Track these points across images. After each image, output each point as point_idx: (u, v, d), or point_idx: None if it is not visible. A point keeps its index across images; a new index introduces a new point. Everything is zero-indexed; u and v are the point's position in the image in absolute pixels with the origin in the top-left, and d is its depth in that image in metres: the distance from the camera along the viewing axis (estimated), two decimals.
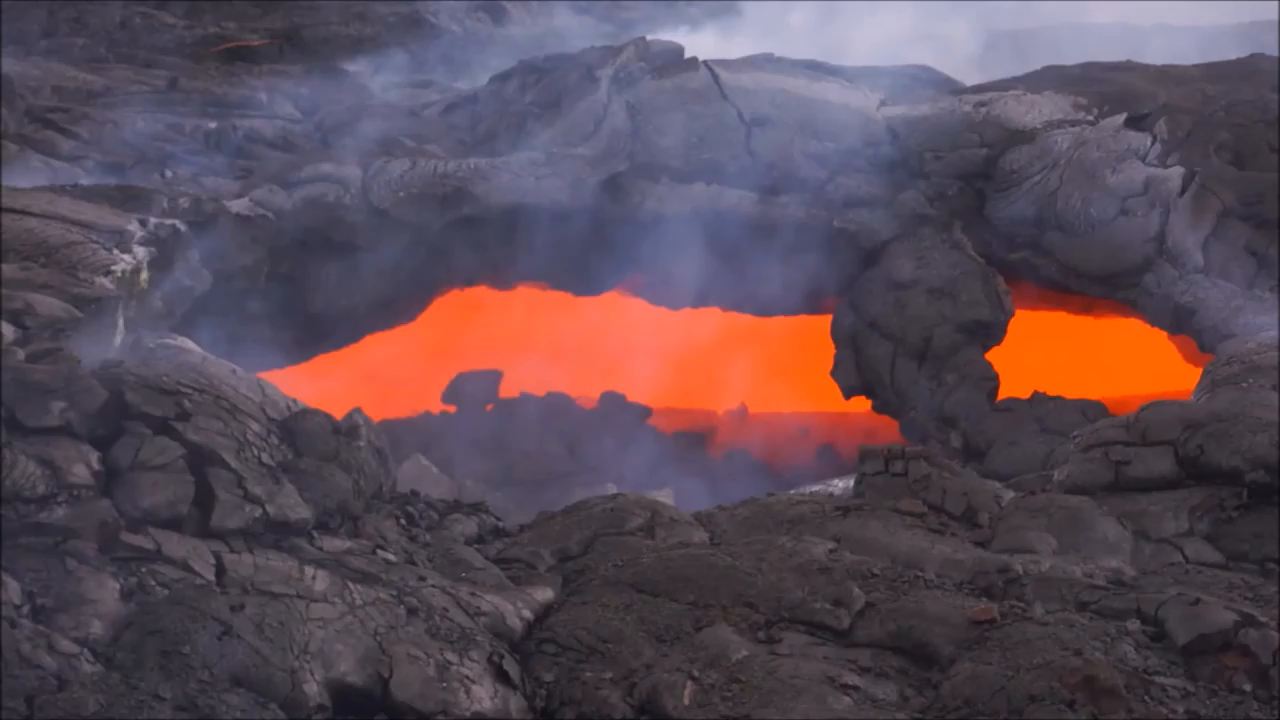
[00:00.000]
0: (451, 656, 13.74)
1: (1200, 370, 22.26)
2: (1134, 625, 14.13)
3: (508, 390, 30.38)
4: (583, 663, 14.29)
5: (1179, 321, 25.51)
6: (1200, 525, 16.60)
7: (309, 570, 14.18)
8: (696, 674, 13.80)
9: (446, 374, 30.37)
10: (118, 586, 13.32)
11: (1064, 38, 39.02)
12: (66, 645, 12.59)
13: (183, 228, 24.24)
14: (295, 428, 16.26)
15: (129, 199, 24.52)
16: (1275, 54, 30.76)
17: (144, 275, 21.62)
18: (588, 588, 15.54)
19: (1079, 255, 26.96)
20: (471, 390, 30.29)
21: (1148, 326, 26.58)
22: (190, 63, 36.92)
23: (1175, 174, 26.50)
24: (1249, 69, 29.83)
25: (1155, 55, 32.62)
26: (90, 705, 12.17)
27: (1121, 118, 28.11)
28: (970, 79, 32.23)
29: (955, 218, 27.85)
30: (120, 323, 19.17)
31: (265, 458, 15.52)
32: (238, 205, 26.67)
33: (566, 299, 29.22)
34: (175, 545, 14.03)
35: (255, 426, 15.75)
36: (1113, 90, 29.27)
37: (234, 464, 15.06)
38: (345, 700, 13.28)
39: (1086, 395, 25.59)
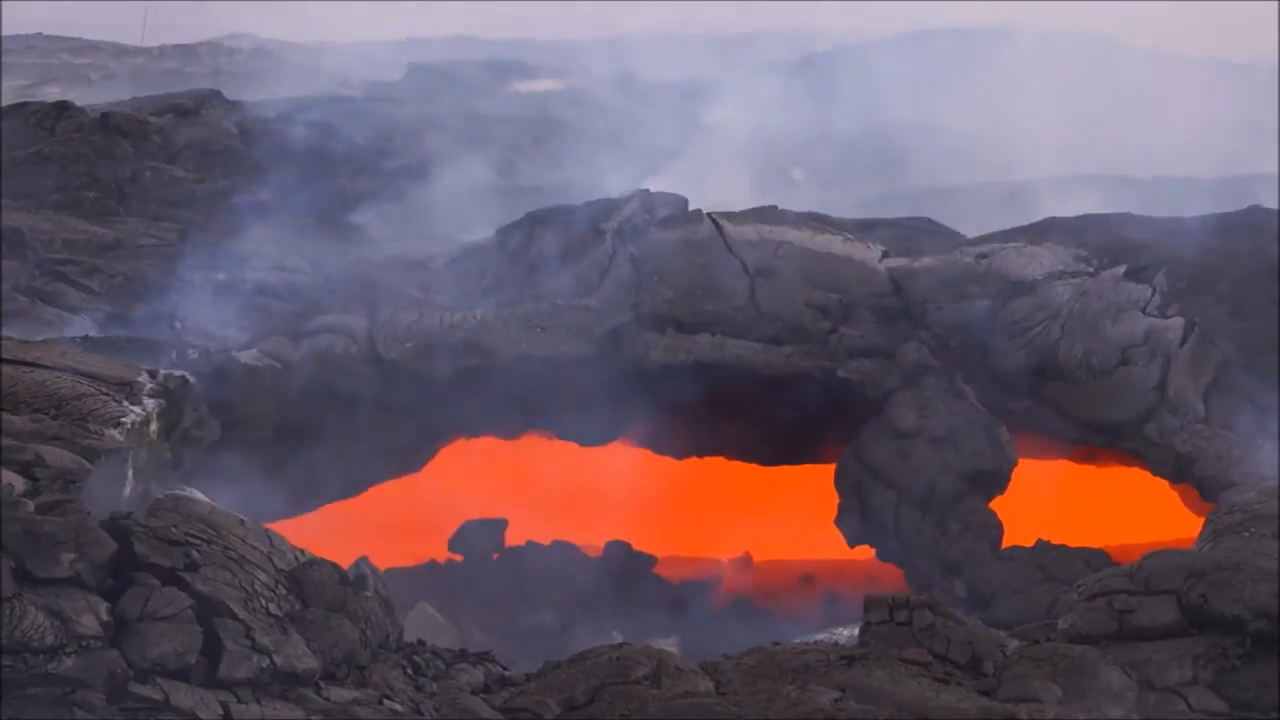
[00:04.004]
0: None
1: (1202, 519, 22.34)
2: None
3: (513, 539, 30.39)
4: None
5: (1181, 471, 25.61)
6: (1204, 674, 16.62)
7: None
8: None
9: (452, 523, 30.38)
10: None
11: (1063, 190, 39.47)
12: None
13: (191, 379, 24.38)
14: (302, 578, 16.33)
15: (139, 351, 24.72)
16: (1272, 206, 31.06)
17: (153, 426, 21.69)
18: None
19: (1081, 405, 27.13)
20: (477, 539, 30.27)
21: (1150, 475, 26.67)
22: (200, 216, 37.27)
23: (1175, 325, 26.74)
24: (1247, 220, 30.11)
25: (1154, 207, 32.95)
26: None
27: (1122, 269, 28.39)
28: (971, 230, 32.53)
29: (958, 368, 28.05)
30: (130, 474, 19.25)
31: (273, 608, 15.58)
32: (246, 356, 26.89)
33: (572, 449, 29.32)
34: (183, 695, 14.08)
35: (263, 577, 15.82)
36: (1112, 242, 29.54)
37: (242, 614, 15.12)
38: None
39: (1090, 544, 25.66)
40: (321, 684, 15.29)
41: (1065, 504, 28.09)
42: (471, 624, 26.94)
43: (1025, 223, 31.47)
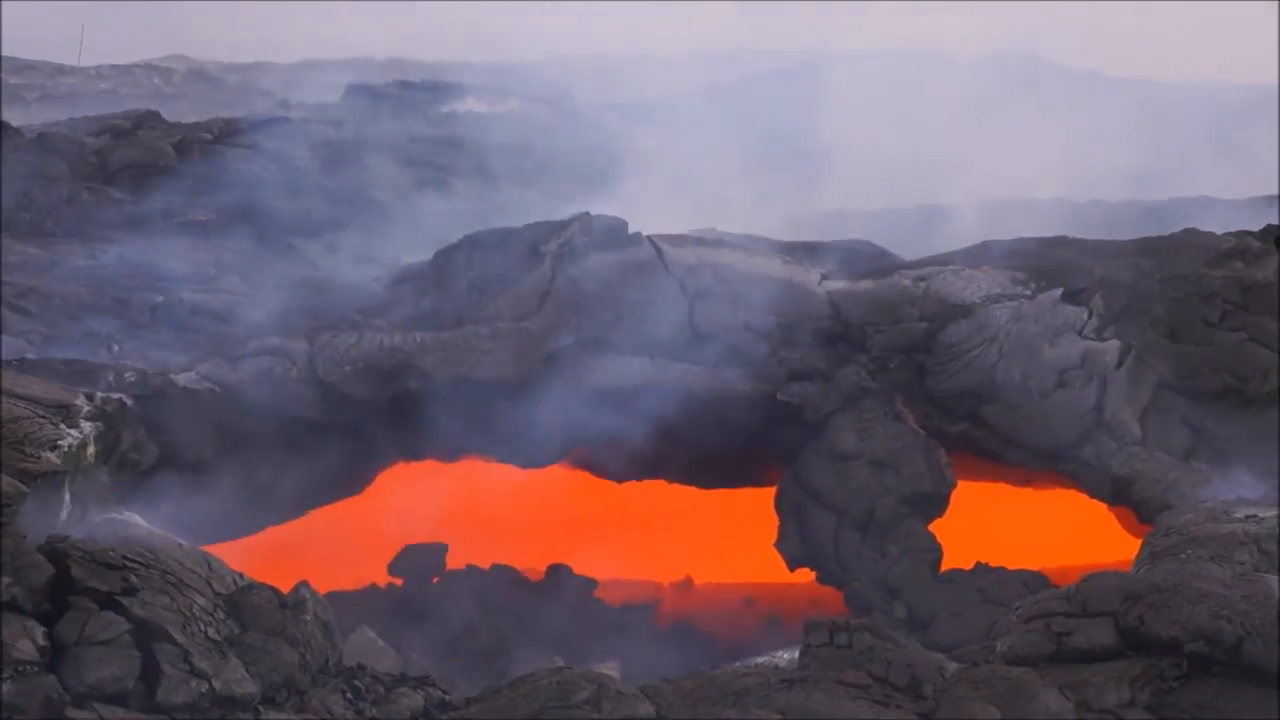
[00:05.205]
0: None
1: (1140, 541, 22.48)
2: None
3: (454, 562, 30.30)
4: None
5: (1118, 493, 25.79)
6: (1141, 696, 16.73)
7: None
8: None
9: (393, 547, 30.28)
10: None
11: (1002, 213, 39.71)
12: None
13: (129, 402, 24.29)
14: (241, 602, 16.27)
15: (75, 374, 24.57)
16: (1206, 230, 31.32)
17: (90, 450, 21.60)
18: None
19: (1018, 427, 27.28)
20: (417, 563, 30.16)
21: (1087, 498, 26.83)
22: (137, 237, 37.06)
23: (1112, 347, 26.93)
24: (1181, 243, 30.36)
25: (1090, 230, 33.19)
26: None
27: (1058, 292, 28.57)
28: (909, 254, 32.66)
29: (896, 390, 28.14)
30: (66, 498, 19.14)
31: (211, 632, 15.52)
32: (184, 379, 26.73)
33: (512, 472, 29.25)
34: None
35: (201, 601, 15.76)
36: (1049, 265, 29.74)
37: (180, 639, 15.05)
38: None
39: (1028, 566, 25.77)
40: (261, 709, 15.23)
41: (1004, 526, 28.22)
42: (412, 648, 26.83)
43: (959, 247, 31.67)
